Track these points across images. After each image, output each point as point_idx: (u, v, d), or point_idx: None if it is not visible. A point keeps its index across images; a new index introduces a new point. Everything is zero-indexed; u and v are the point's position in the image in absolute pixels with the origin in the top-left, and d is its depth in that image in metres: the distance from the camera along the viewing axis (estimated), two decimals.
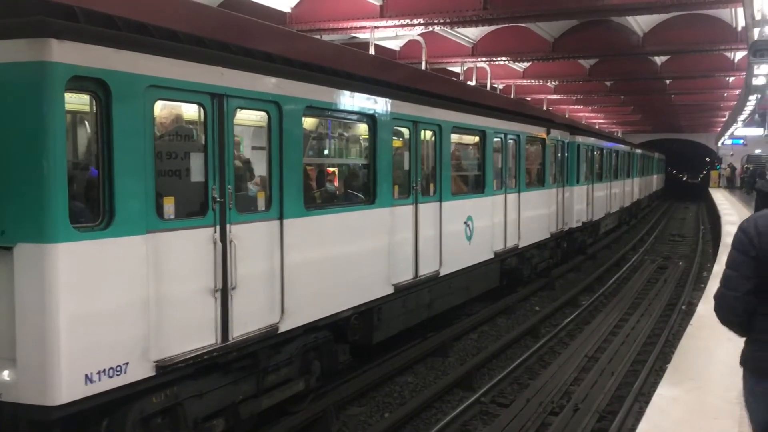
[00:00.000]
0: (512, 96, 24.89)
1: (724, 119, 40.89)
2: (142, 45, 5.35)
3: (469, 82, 20.04)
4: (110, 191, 5.10)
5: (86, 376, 4.92)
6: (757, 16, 11.05)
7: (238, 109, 6.39)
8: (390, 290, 9.01)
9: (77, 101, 5.39)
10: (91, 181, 5.24)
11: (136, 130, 5.27)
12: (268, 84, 6.70)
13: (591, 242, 22.05)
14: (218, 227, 6.06)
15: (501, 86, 26.04)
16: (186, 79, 5.74)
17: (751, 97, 21.60)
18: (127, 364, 5.20)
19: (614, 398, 9.01)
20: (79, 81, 4.92)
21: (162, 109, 5.95)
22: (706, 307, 8.77)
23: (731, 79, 26.21)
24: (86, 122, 5.70)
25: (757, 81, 16.72)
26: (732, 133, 42.69)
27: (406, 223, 9.49)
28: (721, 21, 18.02)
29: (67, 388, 4.81)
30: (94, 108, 5.11)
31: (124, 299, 5.20)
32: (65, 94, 4.83)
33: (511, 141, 13.59)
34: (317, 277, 7.49)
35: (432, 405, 8.59)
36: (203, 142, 6.02)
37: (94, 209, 5.13)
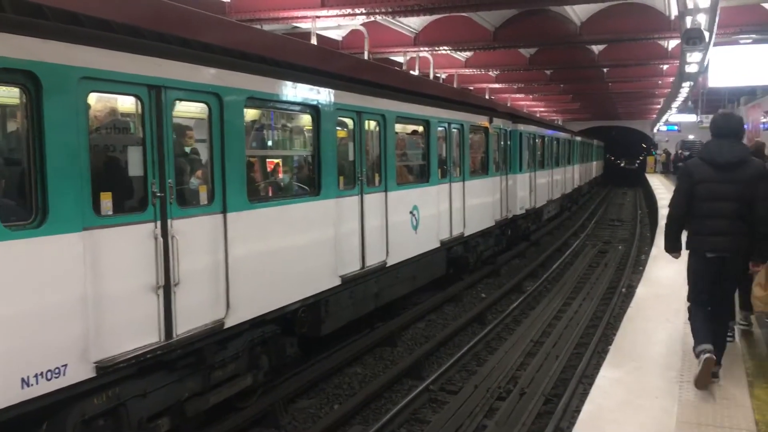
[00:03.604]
0: (455, 85, 25.05)
1: (659, 106, 42.04)
2: (73, 35, 5.17)
3: (412, 72, 20.10)
4: (43, 188, 4.92)
5: (22, 379, 4.76)
6: (690, 5, 11.36)
7: (177, 101, 6.25)
8: (337, 282, 8.98)
9: (5, 94, 5.18)
10: (23, 177, 5.04)
11: (69, 124, 5.10)
12: (208, 75, 6.56)
13: (534, 229, 22.43)
14: (159, 222, 5.92)
15: (444, 75, 26.19)
16: (121, 71, 5.57)
17: (684, 84, 22.24)
18: (65, 365, 5.05)
19: (559, 381, 9.19)
20: (7, 73, 4.73)
21: (97, 101, 5.76)
22: (645, 289, 9.01)
23: (665, 66, 26.94)
24: (16, 116, 5.48)
25: (690, 68, 17.19)
26: (667, 120, 43.97)
27: (352, 214, 9.45)
28: (655, 10, 18.51)
29: (2, 392, 4.64)
30: (24, 101, 4.91)
31: (60, 299, 5.04)
32: None
33: (455, 130, 13.67)
34: (263, 270, 7.40)
35: (381, 395, 8.61)
36: (141, 135, 5.86)
37: (26, 206, 4.93)
